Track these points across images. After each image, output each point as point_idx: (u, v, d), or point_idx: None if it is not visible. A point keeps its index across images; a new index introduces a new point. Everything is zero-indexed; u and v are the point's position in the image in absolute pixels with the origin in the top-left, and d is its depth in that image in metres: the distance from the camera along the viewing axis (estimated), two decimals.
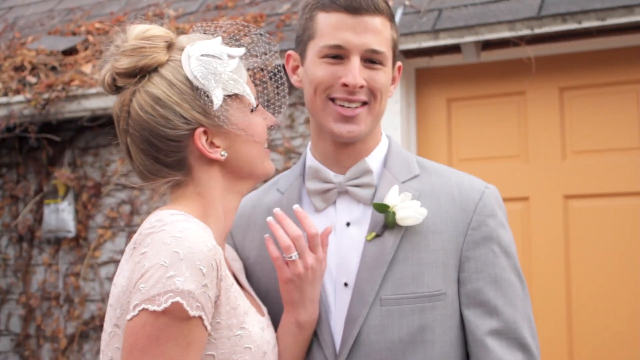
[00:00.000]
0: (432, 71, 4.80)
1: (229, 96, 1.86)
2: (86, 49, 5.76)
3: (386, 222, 2.00)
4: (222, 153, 1.89)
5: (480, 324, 1.97)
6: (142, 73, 1.86)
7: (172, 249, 1.67)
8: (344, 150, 2.07)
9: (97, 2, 6.54)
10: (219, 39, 1.89)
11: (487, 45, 4.57)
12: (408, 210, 1.97)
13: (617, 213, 4.35)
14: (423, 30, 4.50)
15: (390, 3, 4.48)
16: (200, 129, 1.85)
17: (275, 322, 2.03)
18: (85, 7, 6.51)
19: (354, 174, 2.06)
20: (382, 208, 2.00)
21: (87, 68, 5.46)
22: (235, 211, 1.98)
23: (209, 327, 1.72)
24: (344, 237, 2.05)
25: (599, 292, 4.34)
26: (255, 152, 1.92)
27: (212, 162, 1.89)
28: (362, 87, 1.98)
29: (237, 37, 1.95)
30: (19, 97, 5.46)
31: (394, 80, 2.12)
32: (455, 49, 4.59)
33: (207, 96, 1.83)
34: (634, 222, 4.32)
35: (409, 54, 4.61)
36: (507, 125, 4.63)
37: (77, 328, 5.60)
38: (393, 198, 2.00)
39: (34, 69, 5.68)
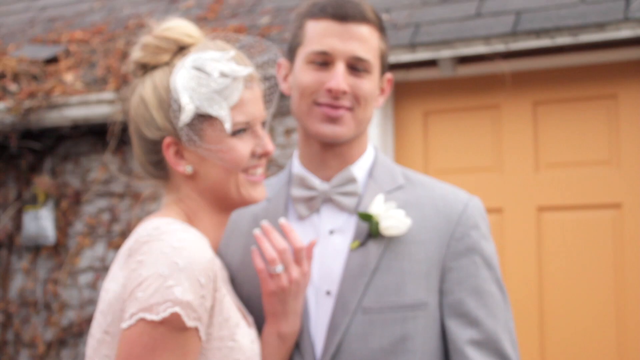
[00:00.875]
0: (410, 84, 4.88)
1: (202, 115, 1.82)
2: (67, 57, 5.79)
3: (370, 231, 2.00)
4: (187, 168, 1.86)
5: (461, 334, 1.98)
6: (145, 69, 1.89)
7: (171, 259, 1.65)
8: (330, 152, 2.08)
9: (79, 11, 6.56)
10: (231, 52, 1.85)
11: (463, 59, 4.65)
12: (392, 219, 1.98)
13: (590, 225, 4.43)
14: (401, 44, 4.58)
15: None
16: (169, 139, 1.85)
17: (257, 329, 2.03)
18: (66, 17, 6.53)
19: (338, 181, 2.07)
20: (366, 217, 2.01)
21: (68, 77, 5.49)
22: (225, 225, 1.97)
23: (203, 338, 1.71)
24: (327, 245, 2.05)
25: (571, 303, 4.41)
26: (224, 177, 1.87)
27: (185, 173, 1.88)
28: (345, 92, 2.00)
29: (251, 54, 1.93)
30: (0, 106, 5.48)
31: (383, 91, 2.14)
32: (432, 63, 4.68)
33: (178, 109, 1.81)
34: (606, 234, 4.40)
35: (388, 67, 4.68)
36: (482, 138, 4.71)
37: (56, 334, 5.60)
38: (377, 207, 2.01)
39: (15, 77, 5.69)
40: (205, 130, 1.83)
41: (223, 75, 1.82)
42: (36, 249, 5.77)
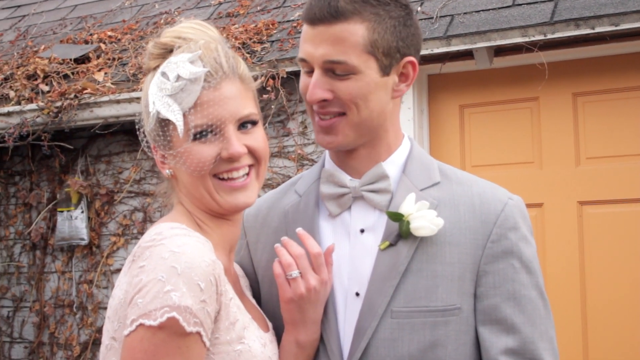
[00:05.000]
0: (445, 77, 4.79)
1: (165, 120, 1.80)
2: (98, 57, 5.78)
3: (400, 232, 1.91)
4: (167, 171, 1.87)
5: (495, 342, 1.89)
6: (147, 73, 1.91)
7: (169, 264, 1.64)
8: (351, 155, 2.00)
9: (109, 10, 6.56)
10: (194, 54, 1.80)
11: (500, 51, 4.55)
12: (422, 220, 1.89)
13: (632, 219, 4.32)
14: (435, 36, 4.49)
15: None
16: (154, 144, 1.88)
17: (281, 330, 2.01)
18: (97, 16, 6.53)
19: (369, 178, 1.98)
20: (396, 217, 1.92)
21: (99, 76, 5.48)
22: (233, 226, 1.94)
23: (207, 343, 1.69)
24: (357, 245, 1.97)
25: (614, 298, 4.32)
26: (193, 182, 1.84)
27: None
28: (326, 100, 1.90)
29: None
30: (32, 106, 5.48)
31: (406, 77, 1.99)
32: (467, 55, 4.58)
33: (147, 114, 1.83)
34: None
35: (421, 60, 4.58)
36: (520, 131, 4.61)
37: (91, 335, 5.61)
38: (409, 207, 1.91)
39: (46, 77, 5.70)
40: (171, 135, 1.81)
41: (179, 78, 1.78)
42: (70, 249, 5.78)
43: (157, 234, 1.73)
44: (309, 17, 1.89)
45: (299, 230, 1.93)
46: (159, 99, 1.78)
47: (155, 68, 1.85)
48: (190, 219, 1.87)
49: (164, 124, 1.80)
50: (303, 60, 1.92)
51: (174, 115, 1.77)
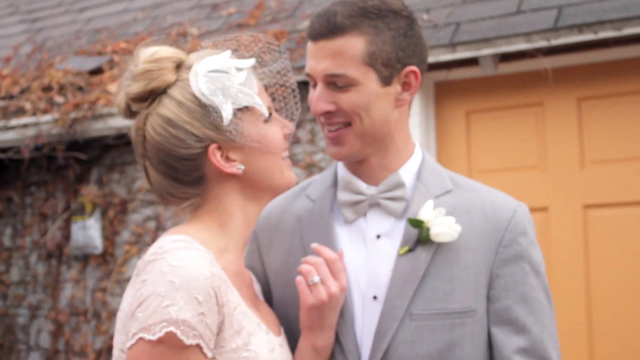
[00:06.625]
0: (451, 84, 4.84)
1: (240, 109, 1.86)
2: (111, 68, 5.86)
3: (420, 238, 1.97)
4: (239, 167, 1.89)
5: (508, 342, 1.96)
6: (152, 96, 1.86)
7: (168, 278, 1.67)
8: (363, 164, 2.06)
9: (123, 22, 6.64)
10: (228, 52, 1.88)
11: (505, 57, 4.60)
12: (442, 226, 1.95)
13: (637, 222, 4.35)
14: (441, 44, 4.55)
15: None
16: (214, 145, 1.86)
17: (294, 332, 2.03)
18: (111, 28, 6.61)
19: (386, 186, 2.04)
20: (416, 223, 1.98)
21: (112, 87, 5.56)
22: (256, 220, 1.99)
23: (209, 354, 1.72)
24: (373, 250, 2.03)
25: (619, 302, 4.33)
26: (271, 163, 1.92)
27: (230, 176, 1.89)
28: (329, 112, 1.97)
29: (249, 48, 1.93)
30: (47, 117, 5.57)
31: (409, 86, 2.02)
32: (473, 61, 4.64)
33: (216, 112, 1.84)
34: None
35: (427, 67, 4.62)
36: (525, 136, 4.65)
37: (105, 343, 5.67)
38: (427, 213, 1.98)
39: (61, 89, 5.77)
40: (246, 123, 1.88)
41: (238, 69, 1.86)
42: (84, 258, 5.85)
43: (159, 247, 1.76)
44: (311, 34, 1.97)
45: (314, 245, 1.99)
46: (228, 91, 1.85)
47: (176, 81, 1.87)
48: (214, 227, 1.90)
49: (238, 114, 1.86)
50: (308, 75, 2.00)
51: (253, 100, 1.87)
